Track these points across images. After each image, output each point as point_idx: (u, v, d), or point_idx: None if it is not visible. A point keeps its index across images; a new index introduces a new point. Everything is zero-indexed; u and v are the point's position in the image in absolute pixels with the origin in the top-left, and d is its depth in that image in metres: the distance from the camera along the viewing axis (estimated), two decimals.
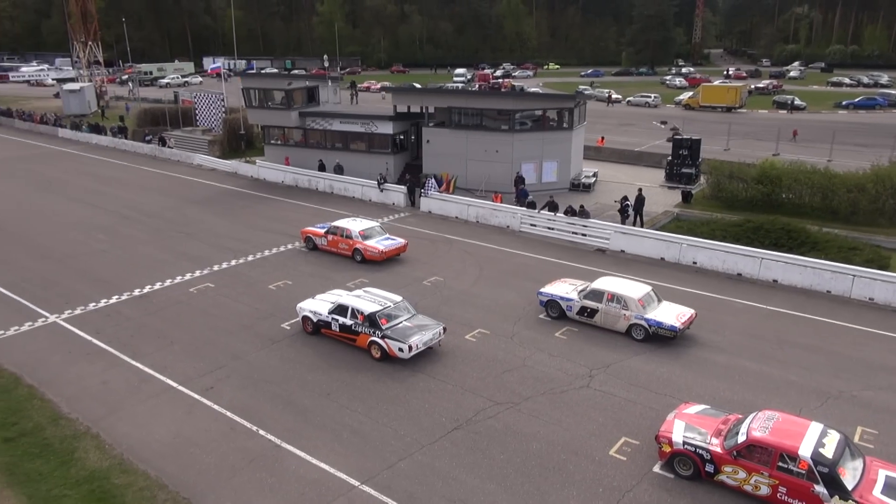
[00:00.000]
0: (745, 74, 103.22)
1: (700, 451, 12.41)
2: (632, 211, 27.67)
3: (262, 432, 14.25)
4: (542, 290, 20.22)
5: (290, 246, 26.58)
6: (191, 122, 51.35)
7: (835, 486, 11.09)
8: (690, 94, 74.49)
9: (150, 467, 13.09)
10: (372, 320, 17.26)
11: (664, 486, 12.63)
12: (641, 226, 27.64)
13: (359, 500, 12.30)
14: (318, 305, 18.75)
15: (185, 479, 12.81)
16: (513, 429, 14.41)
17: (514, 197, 31.58)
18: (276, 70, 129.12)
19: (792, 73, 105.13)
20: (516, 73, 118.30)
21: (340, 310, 18.01)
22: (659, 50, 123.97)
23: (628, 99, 75.93)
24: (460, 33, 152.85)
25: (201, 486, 12.61)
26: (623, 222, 27.33)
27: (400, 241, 25.30)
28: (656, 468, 13.09)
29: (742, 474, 11.96)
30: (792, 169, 30.95)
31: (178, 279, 22.91)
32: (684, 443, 12.61)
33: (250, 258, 25.12)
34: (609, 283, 19.36)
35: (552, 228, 28.09)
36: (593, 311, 18.93)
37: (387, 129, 35.96)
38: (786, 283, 22.63)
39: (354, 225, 25.32)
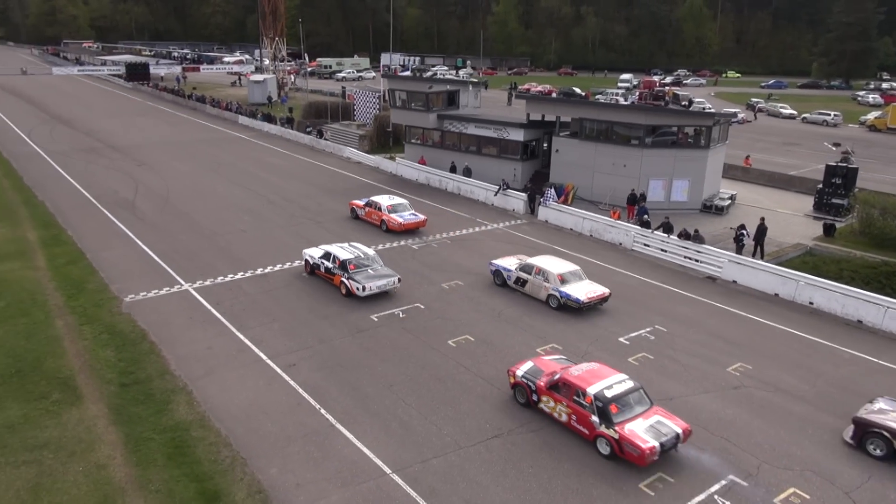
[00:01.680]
0: None
1: (530, 384, 15.88)
2: (750, 240, 26.15)
3: (322, 411, 15.80)
4: (493, 261, 24.17)
5: (403, 243, 28.24)
6: (349, 116, 55.30)
7: (604, 417, 14.24)
8: (878, 113, 67.02)
9: (223, 426, 15.10)
10: (343, 265, 22.35)
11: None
12: (761, 257, 26.05)
13: (386, 487, 13.37)
14: (315, 252, 23.85)
15: (247, 441, 14.64)
16: (550, 445, 14.74)
17: (632, 214, 31.04)
18: (446, 67, 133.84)
19: None
20: (688, 81, 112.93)
21: (326, 256, 23.18)
22: (856, 61, 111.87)
23: (804, 115, 69.90)
24: (635, 37, 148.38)
25: (258, 450, 14.35)
26: (739, 252, 25.92)
27: (420, 216, 29.76)
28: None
29: (552, 403, 15.47)
30: None
31: (297, 263, 25.34)
32: (523, 376, 16.09)
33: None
34: (540, 260, 23.17)
35: (665, 251, 27.31)
36: (524, 282, 22.73)
37: (518, 135, 36.62)
38: None
39: (385, 200, 30.17)
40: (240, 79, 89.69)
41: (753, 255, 26.12)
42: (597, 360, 18.33)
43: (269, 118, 56.31)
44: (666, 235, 27.34)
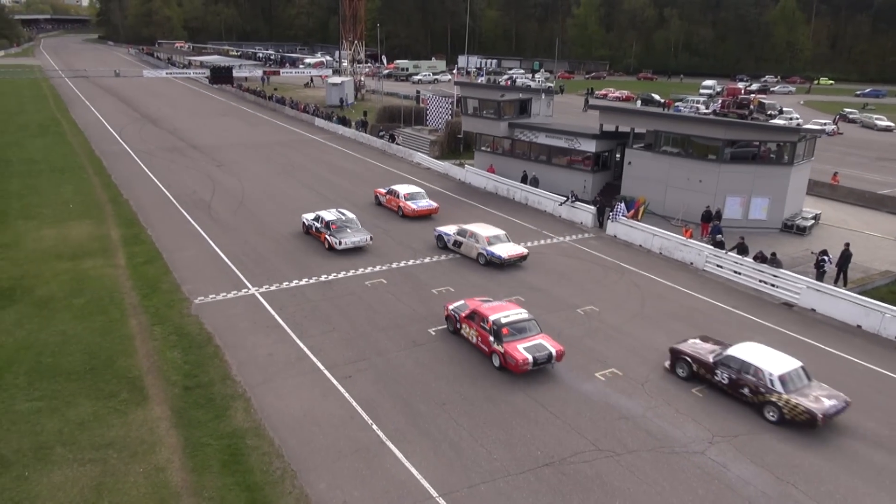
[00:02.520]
0: None
1: (455, 315, 20.33)
2: (832, 266, 24.64)
3: (374, 426, 15.86)
4: (437, 227, 28.96)
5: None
6: (422, 121, 55.68)
7: (497, 337, 18.48)
8: None
9: (277, 436, 15.39)
10: (327, 224, 27.82)
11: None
12: (844, 284, 24.52)
13: None
14: (309, 216, 29.40)
15: (299, 453, 14.85)
16: (603, 479, 14.28)
17: (703, 235, 29.92)
18: (522, 70, 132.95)
19: None
20: (776, 88, 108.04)
21: (316, 218, 28.75)
22: None
23: None
24: (722, 40, 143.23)
25: (309, 463, 14.53)
26: (819, 278, 24.46)
27: (433, 204, 33.39)
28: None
29: (467, 329, 19.87)
30: None
31: (360, 271, 25.63)
32: (452, 310, 20.60)
33: (426, 260, 27.13)
34: (473, 226, 27.91)
35: (738, 273, 26.10)
36: (460, 244, 27.48)
37: (589, 146, 35.88)
38: None
39: (402, 189, 33.85)
40: (312, 80, 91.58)
41: (836, 283, 24.63)
42: (663, 393, 17.71)
43: (343, 121, 57.38)
44: (740, 257, 26.13)
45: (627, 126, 35.34)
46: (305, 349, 19.48)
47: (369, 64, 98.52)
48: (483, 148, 41.96)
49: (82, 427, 15.60)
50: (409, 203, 32.86)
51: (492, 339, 18.71)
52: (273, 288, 23.80)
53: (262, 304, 22.50)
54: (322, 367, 18.47)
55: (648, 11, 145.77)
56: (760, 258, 25.41)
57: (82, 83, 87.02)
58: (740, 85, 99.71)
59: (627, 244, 30.37)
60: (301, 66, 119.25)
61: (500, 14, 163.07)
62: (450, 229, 28.23)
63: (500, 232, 27.47)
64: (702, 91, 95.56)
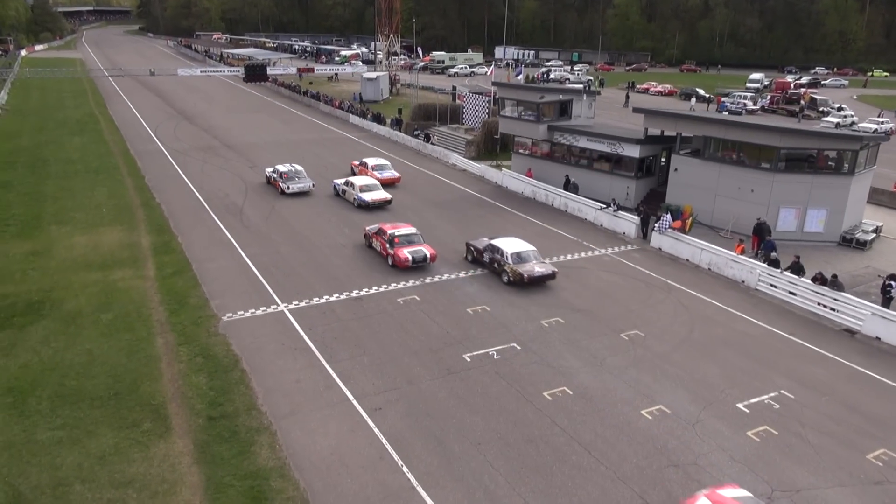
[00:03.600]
0: None
1: (369, 234, 27.79)
2: None
3: (405, 469, 14.91)
4: (335, 180, 37.24)
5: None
6: (458, 119, 54.45)
7: (391, 244, 26.22)
8: None
9: (302, 478, 14.55)
10: (280, 174, 36.32)
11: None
12: None
13: None
14: (269, 169, 38.10)
15: (325, 499, 13.98)
16: None
17: (755, 248, 28.30)
18: (561, 62, 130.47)
19: None
20: (827, 81, 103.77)
21: (275, 171, 36.99)
22: None
23: None
24: (769, 30, 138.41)
25: None
26: (885, 305, 22.71)
27: (396, 174, 39.15)
28: None
29: (375, 242, 27.23)
30: None
31: (392, 286, 24.70)
32: (367, 230, 28.22)
33: (461, 275, 26.05)
34: (354, 178, 35.74)
35: (794, 294, 24.44)
36: (344, 192, 35.24)
37: (633, 152, 34.30)
38: None
39: (371, 161, 39.89)
40: (336, 76, 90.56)
41: None
42: (716, 436, 16.41)
43: (378, 119, 56.46)
44: (796, 277, 24.46)
45: (673, 130, 33.65)
46: (334, 375, 18.62)
47: (404, 56, 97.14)
48: (521, 150, 40.63)
49: (102, 461, 14.98)
50: (375, 174, 38.49)
51: (388, 246, 26.31)
52: (303, 304, 23.01)
53: (291, 322, 21.72)
54: (351, 397, 17.59)
55: (693, 0, 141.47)
56: (820, 280, 23.73)
57: (120, 77, 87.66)
58: (789, 78, 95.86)
59: (673, 258, 28.85)
60: (337, 58, 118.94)
61: (538, 4, 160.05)
62: (339, 181, 36.40)
63: (373, 182, 35.60)
64: (748, 85, 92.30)
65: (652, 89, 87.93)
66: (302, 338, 20.75)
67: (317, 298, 23.50)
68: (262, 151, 46.43)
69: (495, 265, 25.55)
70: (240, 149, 47.35)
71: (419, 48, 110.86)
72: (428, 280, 25.38)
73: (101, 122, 57.08)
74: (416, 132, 51.46)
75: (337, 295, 23.83)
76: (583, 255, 28.92)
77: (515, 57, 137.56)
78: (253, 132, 54.01)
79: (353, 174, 39.22)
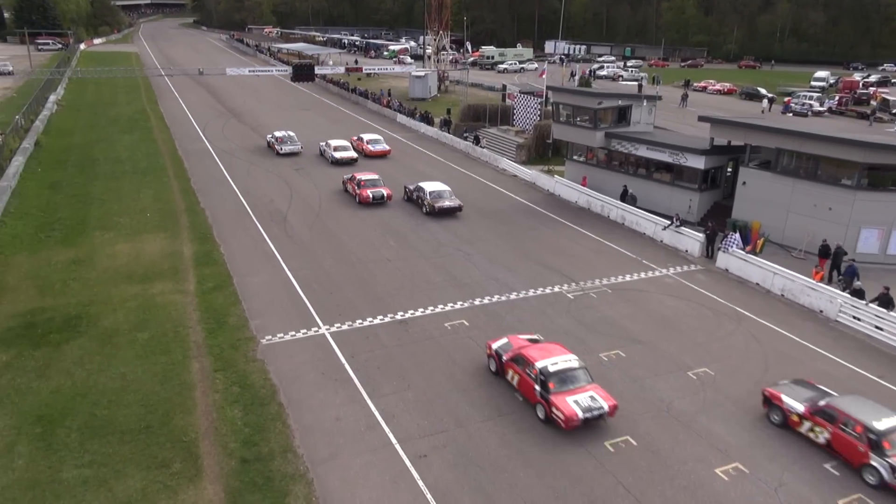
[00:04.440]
0: None
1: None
2: None
3: None
4: (320, 142, 45.09)
5: (557, 289, 25.29)
6: (508, 120, 52.67)
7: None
8: None
9: None
10: (276, 139, 44.54)
11: None
12: None
13: None
14: (269, 135, 45.73)
15: None
16: None
17: (829, 272, 26.04)
18: (613, 57, 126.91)
19: None
20: None
21: (273, 136, 45.13)
22: None
23: None
24: (834, 24, 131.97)
25: None
26: None
27: (386, 147, 45.73)
28: None
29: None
30: None
31: (440, 308, 23.32)
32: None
33: (512, 296, 24.50)
34: (334, 140, 44.58)
35: (881, 328, 22.15)
36: (324, 152, 44.01)
37: (698, 163, 32.08)
38: None
39: (367, 136, 46.59)
40: (368, 76, 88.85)
41: None
42: (798, 496, 14.56)
43: (426, 119, 55.09)
44: (884, 311, 22.15)
45: (742, 140, 31.32)
46: (376, 413, 17.34)
47: (453, 52, 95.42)
48: (575, 157, 38.71)
49: None
50: (368, 146, 45.18)
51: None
52: (345, 327, 21.82)
53: (332, 347, 20.54)
54: (394, 440, 16.27)
55: None
56: None
57: (175, 69, 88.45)
58: (857, 76, 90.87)
59: (741, 281, 26.70)
60: (386, 52, 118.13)
61: None
62: (324, 145, 44.25)
63: (344, 142, 44.28)
64: (813, 83, 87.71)
65: (710, 88, 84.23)
66: (343, 366, 19.54)
67: (360, 321, 22.28)
68: (307, 153, 45.52)
69: (418, 200, 33.73)
70: None
71: (468, 43, 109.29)
72: (477, 302, 23.90)
73: (152, 120, 57.19)
74: (465, 134, 49.91)
75: (381, 317, 22.56)
76: (642, 275, 27.02)
77: (566, 52, 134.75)
78: (300, 132, 52.92)
79: (354, 148, 44.87)
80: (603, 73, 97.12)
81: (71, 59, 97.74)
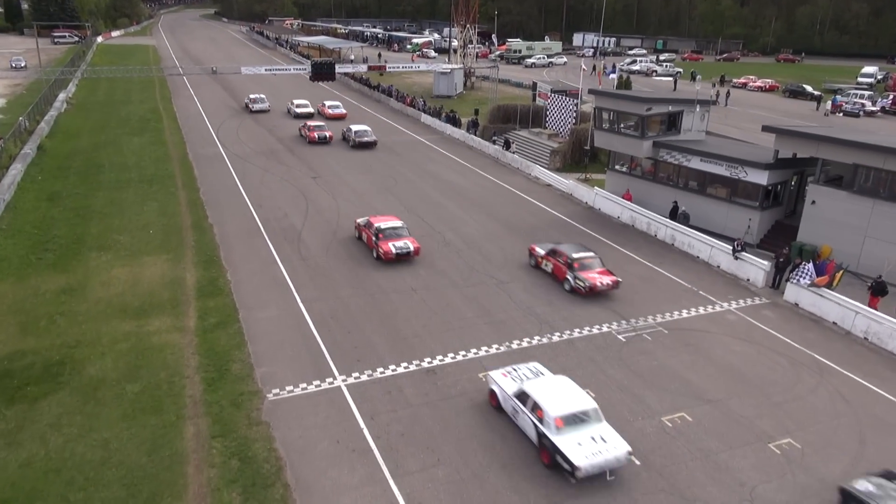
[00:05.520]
0: None
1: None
2: None
3: None
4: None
5: (605, 327, 22.18)
6: (540, 122, 49.37)
7: (570, 269, 24.09)
8: None
9: None
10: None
11: None
12: None
13: None
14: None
15: None
16: None
17: (875, 306, 22.58)
18: (644, 50, 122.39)
19: None
20: None
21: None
22: None
23: None
24: (877, 16, 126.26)
25: None
26: None
27: (343, 111, 55.52)
28: None
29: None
30: None
31: (472, 353, 20.36)
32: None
33: (555, 337, 21.43)
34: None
35: None
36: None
37: (760, 178, 28.66)
38: None
39: (328, 102, 55.67)
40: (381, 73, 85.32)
41: None
42: None
43: (453, 120, 51.94)
44: None
45: (813, 153, 27.82)
46: (400, 499, 14.43)
47: (479, 45, 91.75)
48: (617, 167, 35.40)
49: None
50: (328, 109, 54.71)
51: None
52: (364, 377, 18.93)
53: (349, 405, 17.67)
54: None
55: None
56: None
57: (188, 67, 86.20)
58: None
59: (815, 319, 23.36)
60: (409, 45, 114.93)
61: None
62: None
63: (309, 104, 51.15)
64: (860, 79, 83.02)
65: (751, 84, 79.81)
66: (361, 431, 16.66)
67: (381, 369, 19.37)
68: (325, 157, 42.71)
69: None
70: (303, 155, 43.71)
71: (493, 36, 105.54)
72: (514, 345, 20.89)
73: (164, 120, 54.69)
74: (494, 138, 46.71)
75: (405, 364, 19.63)
76: (700, 310, 23.78)
77: (595, 45, 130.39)
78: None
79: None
80: (636, 67, 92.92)
81: (87, 53, 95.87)
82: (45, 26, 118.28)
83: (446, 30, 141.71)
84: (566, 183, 37.76)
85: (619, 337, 21.60)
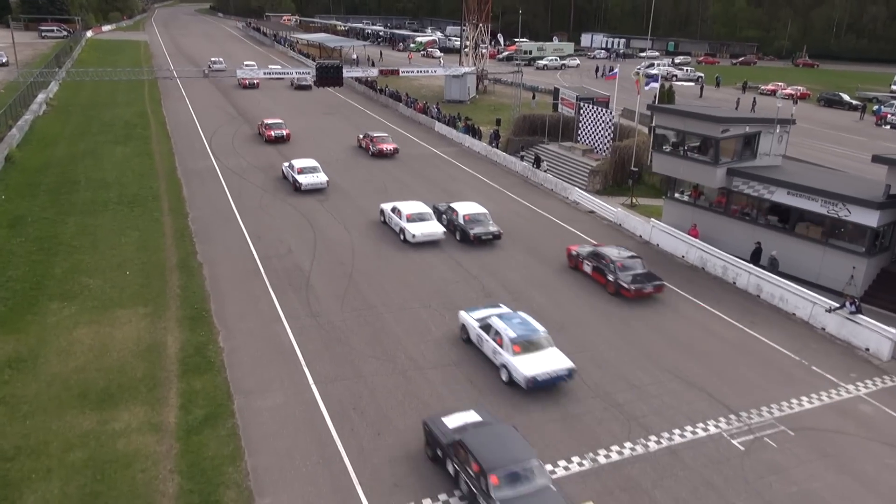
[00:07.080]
0: None
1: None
2: None
3: None
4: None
5: (712, 427, 17.07)
6: (570, 134, 44.23)
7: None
8: None
9: None
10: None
11: None
12: None
13: None
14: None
15: None
16: None
17: None
18: (657, 53, 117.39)
19: None
20: None
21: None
22: None
23: None
24: (895, 19, 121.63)
25: None
26: None
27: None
28: None
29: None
30: None
31: (548, 469, 15.20)
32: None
33: (651, 444, 16.29)
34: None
35: None
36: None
37: (868, 218, 23.58)
38: None
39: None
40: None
41: None
42: None
43: (472, 131, 46.74)
44: None
45: None
46: None
47: (488, 46, 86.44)
48: (678, 195, 30.33)
49: None
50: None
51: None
52: None
53: None
54: None
55: None
56: None
57: (181, 65, 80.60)
58: None
59: None
60: (412, 44, 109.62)
61: None
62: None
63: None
64: (894, 87, 78.31)
65: (780, 91, 74.69)
66: None
67: (428, 500, 14.21)
68: (332, 175, 37.31)
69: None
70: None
71: (499, 35, 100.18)
72: (603, 458, 15.75)
73: (152, 126, 49.22)
74: (522, 153, 41.56)
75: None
76: (822, 396, 18.74)
77: (604, 45, 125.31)
78: (323, 143, 45.11)
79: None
80: (653, 71, 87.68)
81: (74, 49, 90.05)
82: (32, 19, 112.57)
83: (449, 28, 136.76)
84: (613, 211, 32.63)
85: (735, 443, 16.49)
